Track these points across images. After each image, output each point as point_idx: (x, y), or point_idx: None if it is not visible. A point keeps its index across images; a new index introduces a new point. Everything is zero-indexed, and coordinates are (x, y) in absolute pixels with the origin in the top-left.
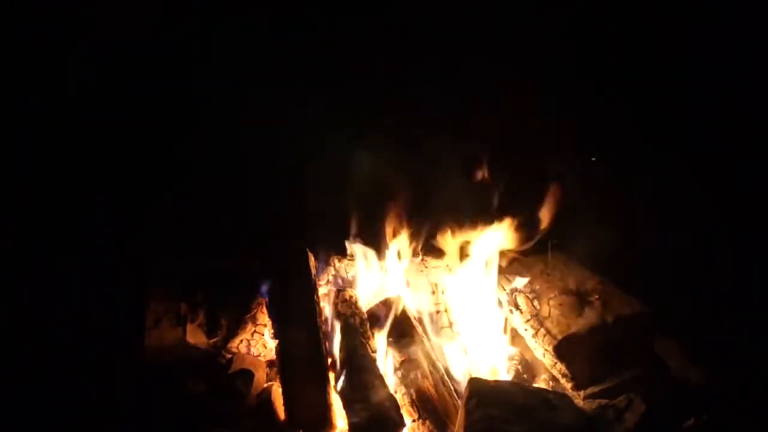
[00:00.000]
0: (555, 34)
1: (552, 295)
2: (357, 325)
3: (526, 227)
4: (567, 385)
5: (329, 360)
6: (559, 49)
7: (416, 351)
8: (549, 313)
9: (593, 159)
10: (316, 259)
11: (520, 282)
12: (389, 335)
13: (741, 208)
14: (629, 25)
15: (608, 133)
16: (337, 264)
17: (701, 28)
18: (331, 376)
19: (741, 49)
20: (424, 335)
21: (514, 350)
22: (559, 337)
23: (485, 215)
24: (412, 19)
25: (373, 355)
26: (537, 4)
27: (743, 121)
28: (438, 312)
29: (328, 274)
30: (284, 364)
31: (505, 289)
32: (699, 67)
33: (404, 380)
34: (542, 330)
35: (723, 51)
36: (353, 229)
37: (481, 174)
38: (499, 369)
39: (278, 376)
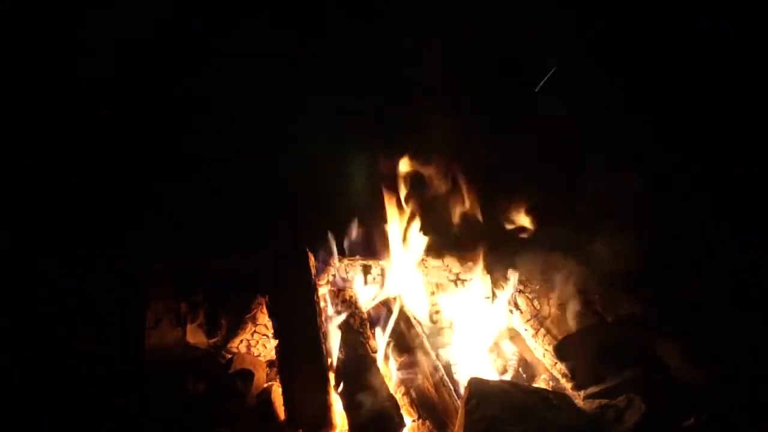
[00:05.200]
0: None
1: (552, 295)
2: (357, 325)
3: None
4: (567, 385)
5: (329, 360)
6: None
7: (416, 351)
8: (549, 313)
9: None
10: (316, 259)
11: (513, 276)
12: (389, 335)
13: (741, 208)
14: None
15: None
16: (337, 264)
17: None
18: (331, 376)
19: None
20: (423, 335)
21: (514, 349)
22: (560, 336)
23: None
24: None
25: (373, 355)
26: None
27: (743, 122)
28: (438, 312)
29: (328, 274)
30: (284, 363)
31: (503, 289)
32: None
33: (404, 380)
34: (542, 330)
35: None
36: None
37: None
38: (499, 369)
39: (278, 376)
